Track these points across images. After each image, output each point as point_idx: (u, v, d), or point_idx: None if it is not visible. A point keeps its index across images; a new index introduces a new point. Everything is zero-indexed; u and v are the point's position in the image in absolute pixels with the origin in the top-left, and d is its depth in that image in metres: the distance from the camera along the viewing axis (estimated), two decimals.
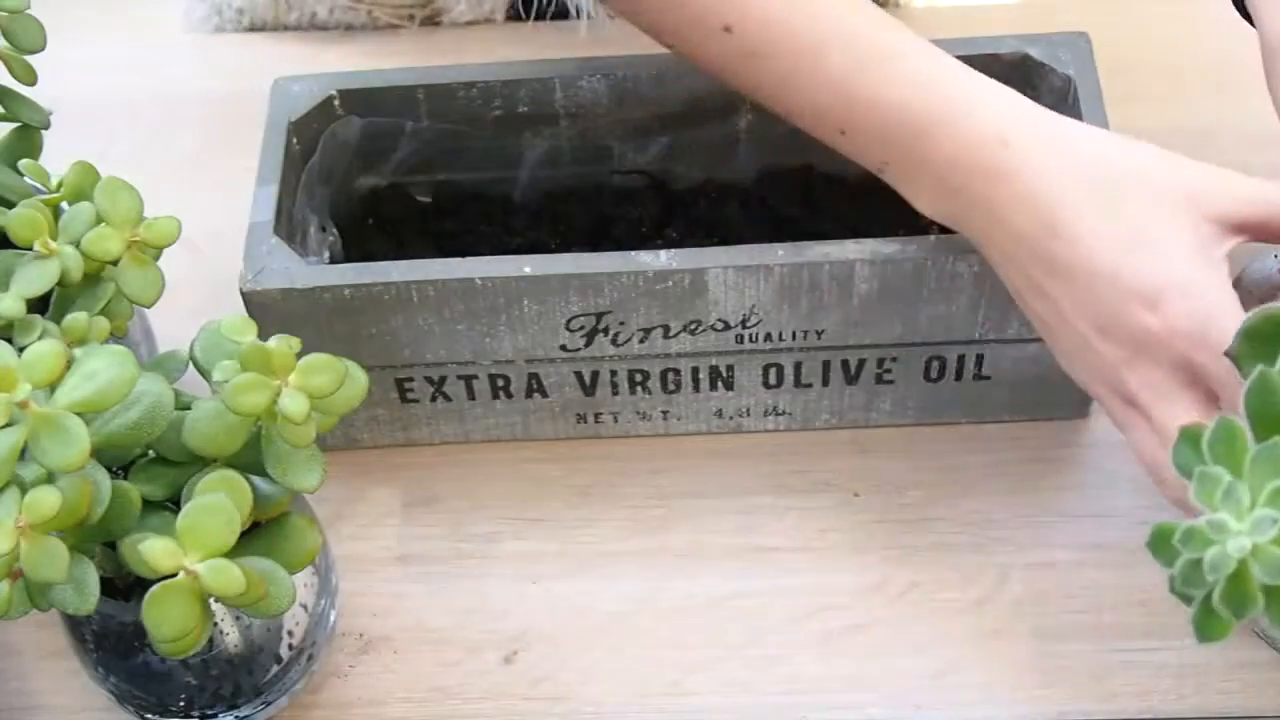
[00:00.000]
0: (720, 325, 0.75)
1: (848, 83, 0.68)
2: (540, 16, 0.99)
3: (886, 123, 0.67)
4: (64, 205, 0.71)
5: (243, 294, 0.74)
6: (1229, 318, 0.58)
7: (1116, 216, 0.62)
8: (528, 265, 0.73)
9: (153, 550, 0.58)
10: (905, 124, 0.67)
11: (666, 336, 0.75)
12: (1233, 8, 0.73)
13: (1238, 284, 0.70)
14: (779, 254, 0.72)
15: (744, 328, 0.75)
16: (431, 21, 1.01)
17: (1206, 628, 0.52)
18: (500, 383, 0.78)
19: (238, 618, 0.69)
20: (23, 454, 0.57)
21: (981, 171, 0.65)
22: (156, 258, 0.70)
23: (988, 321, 0.75)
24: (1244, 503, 0.49)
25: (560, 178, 0.85)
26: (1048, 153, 0.64)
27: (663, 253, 0.73)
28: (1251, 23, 0.68)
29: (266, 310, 0.74)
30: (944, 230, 0.75)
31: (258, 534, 0.64)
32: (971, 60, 0.79)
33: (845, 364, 0.77)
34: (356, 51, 0.84)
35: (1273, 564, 0.48)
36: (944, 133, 0.66)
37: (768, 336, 0.76)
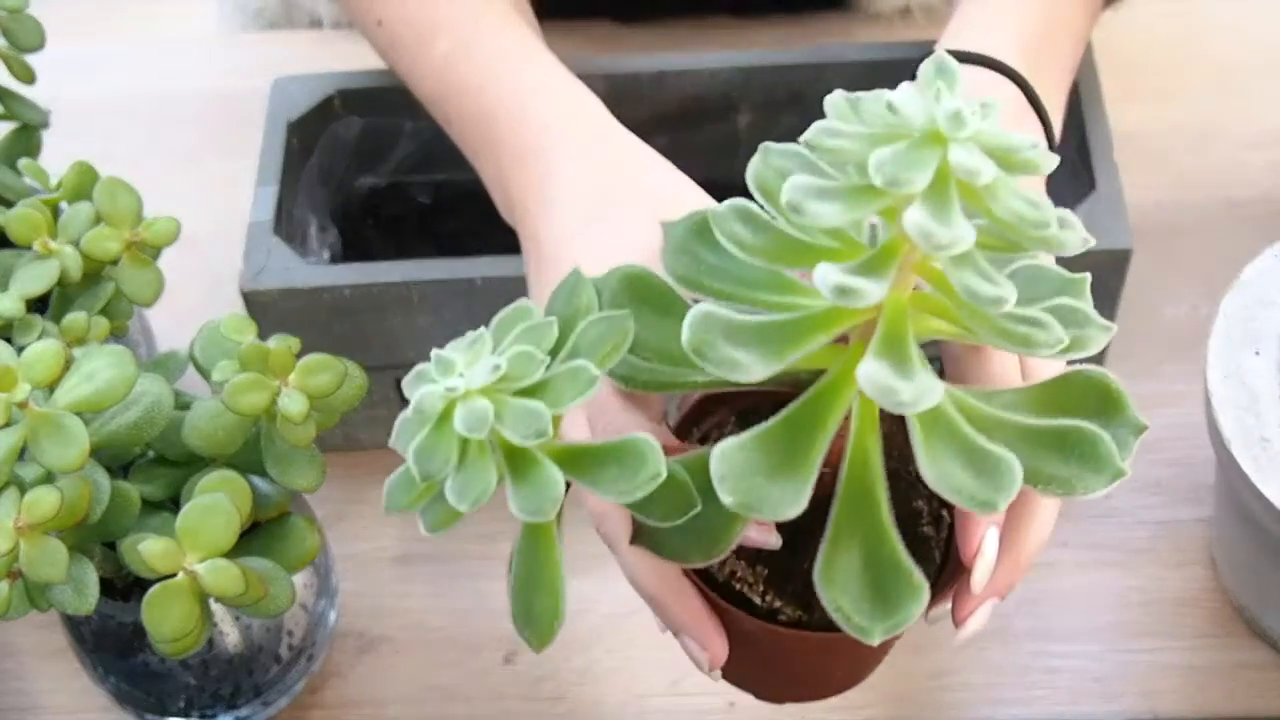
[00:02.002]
0: None
1: (448, 72, 0.69)
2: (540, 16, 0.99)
3: (474, 111, 0.68)
4: (63, 205, 0.71)
5: (243, 294, 0.74)
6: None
7: (592, 221, 0.61)
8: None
9: (152, 550, 0.58)
10: (482, 111, 0.67)
11: None
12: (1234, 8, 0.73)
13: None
14: None
15: None
16: None
17: (396, 493, 0.48)
18: None
19: (237, 618, 0.69)
20: (22, 454, 0.57)
21: (519, 156, 0.65)
22: (156, 257, 0.70)
23: None
24: (484, 347, 0.46)
25: None
26: (578, 150, 0.63)
27: None
28: None
29: (266, 310, 0.74)
30: None
31: (257, 534, 0.64)
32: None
33: None
34: (356, 51, 0.84)
35: (476, 415, 0.43)
36: (504, 120, 0.66)
37: None
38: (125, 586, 0.66)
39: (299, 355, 0.62)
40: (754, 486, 0.44)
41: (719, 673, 0.56)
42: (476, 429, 0.43)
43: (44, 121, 0.76)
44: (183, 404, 0.64)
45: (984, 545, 0.53)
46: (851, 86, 0.83)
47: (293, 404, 0.60)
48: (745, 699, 0.73)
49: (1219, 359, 0.68)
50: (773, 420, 0.45)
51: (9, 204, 0.71)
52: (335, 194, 0.83)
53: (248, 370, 0.61)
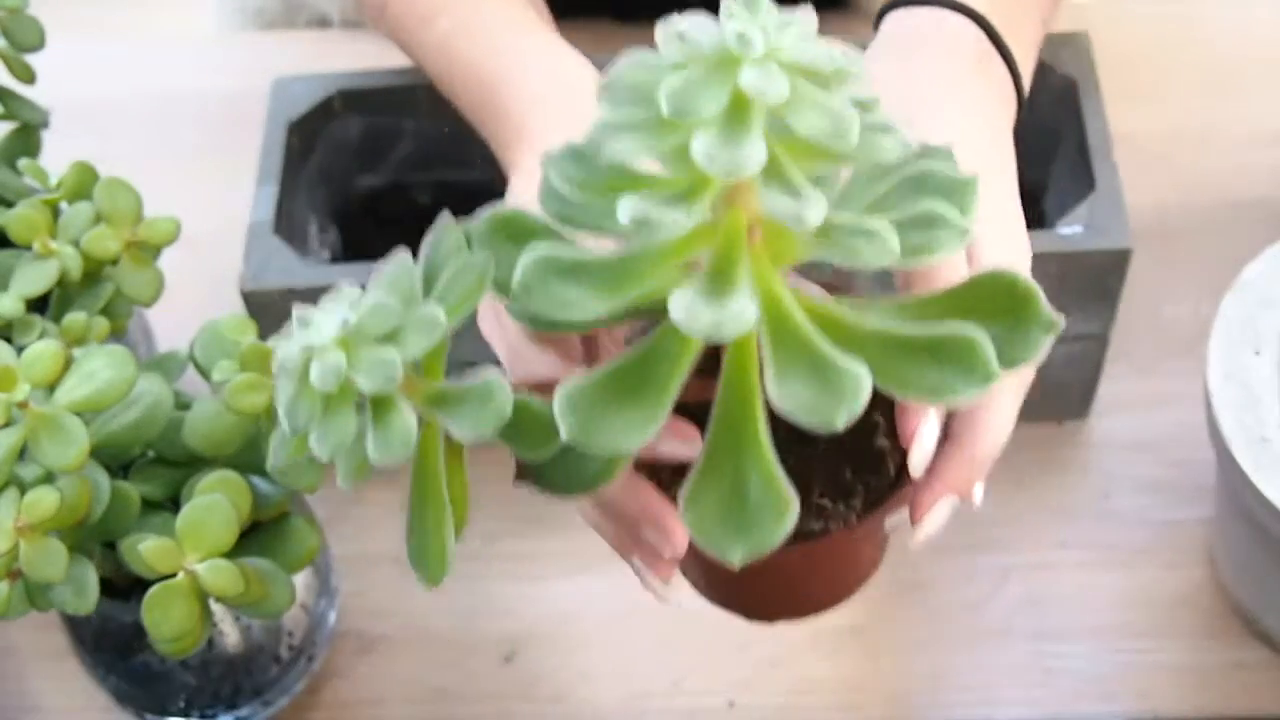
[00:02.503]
0: None
1: (449, 47, 0.70)
2: None
3: (476, 84, 0.68)
4: (63, 205, 0.71)
5: (243, 294, 0.74)
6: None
7: None
8: None
9: (152, 550, 0.58)
10: (483, 83, 0.67)
11: None
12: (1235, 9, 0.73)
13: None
14: None
15: None
16: None
17: (279, 451, 0.48)
18: None
19: (237, 618, 0.69)
20: (22, 454, 0.57)
21: (515, 127, 0.64)
22: (156, 257, 0.70)
23: None
24: (343, 301, 0.46)
25: None
26: (566, 121, 0.62)
27: None
28: None
29: (266, 310, 0.74)
30: None
31: (257, 534, 0.64)
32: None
33: None
34: (356, 51, 0.84)
35: (328, 367, 0.44)
36: (502, 92, 0.66)
37: None
38: (125, 586, 0.66)
39: None
40: (593, 420, 0.44)
41: (678, 592, 0.55)
42: (328, 381, 0.44)
43: (44, 121, 0.76)
44: (183, 404, 0.64)
45: (921, 432, 0.52)
46: None
47: None
48: (745, 699, 0.73)
49: (1219, 359, 0.68)
50: (624, 355, 0.45)
51: (9, 204, 0.71)
52: (335, 194, 0.83)
53: (248, 370, 0.61)
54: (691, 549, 0.53)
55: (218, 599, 0.60)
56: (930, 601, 0.75)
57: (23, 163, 0.72)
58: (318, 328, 0.45)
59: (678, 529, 0.52)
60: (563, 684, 0.75)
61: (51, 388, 0.58)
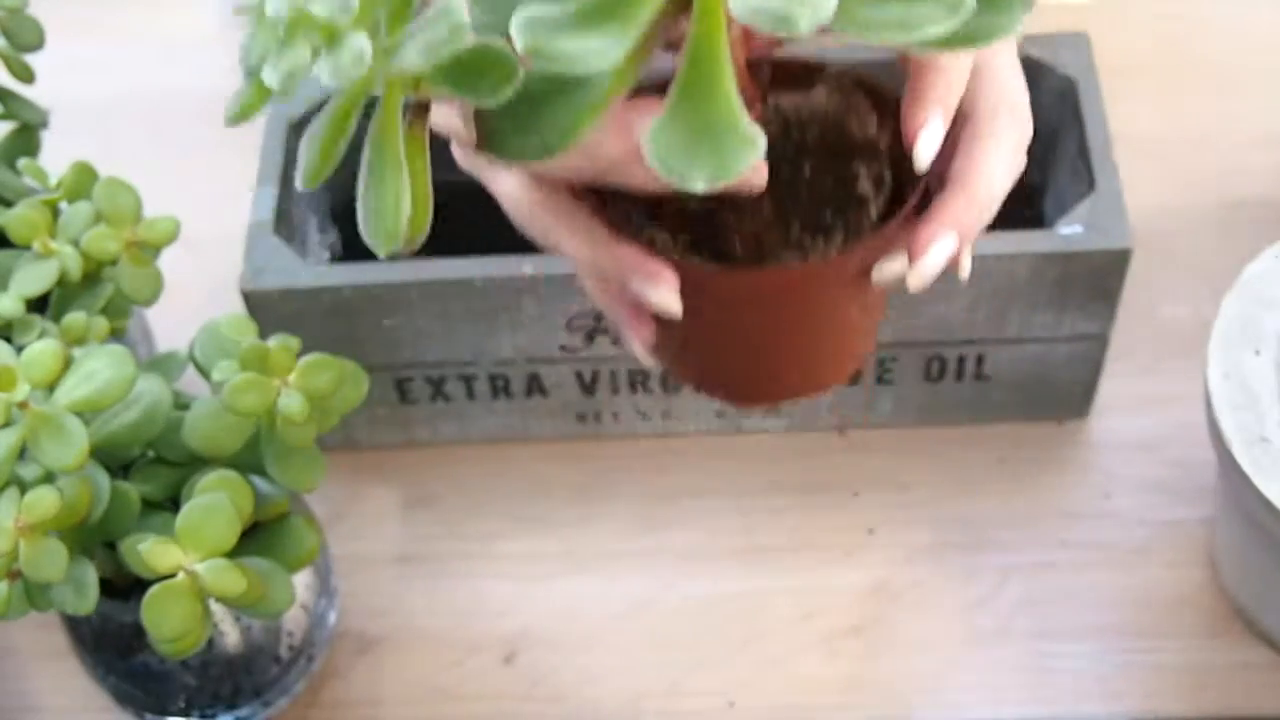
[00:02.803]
0: None
1: None
2: None
3: None
4: (63, 205, 0.71)
5: (243, 294, 0.74)
6: None
7: None
8: (528, 265, 0.73)
9: (152, 550, 0.58)
10: None
11: None
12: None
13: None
14: None
15: None
16: None
17: (239, 105, 0.46)
18: (500, 383, 0.78)
19: (237, 618, 0.69)
20: (22, 454, 0.57)
21: None
22: (155, 257, 0.70)
23: (987, 322, 0.75)
24: None
25: None
26: None
27: None
28: None
29: (266, 310, 0.74)
30: None
31: (257, 534, 0.64)
32: None
33: None
34: None
35: None
36: None
37: None
38: (125, 586, 0.66)
39: (299, 355, 0.62)
40: (555, 36, 0.40)
41: (655, 359, 0.54)
42: (281, 9, 0.43)
43: (43, 121, 0.76)
44: (182, 404, 0.64)
45: (929, 123, 0.51)
46: None
47: (293, 404, 0.60)
48: (745, 699, 0.73)
49: (1219, 359, 0.68)
50: None
51: (9, 204, 0.71)
52: (335, 194, 0.83)
53: (248, 370, 0.61)
54: (666, 329, 0.53)
55: (218, 599, 0.60)
56: (930, 601, 0.75)
57: (22, 163, 0.72)
58: None
59: (661, 266, 0.51)
60: (563, 684, 0.75)
61: (51, 388, 0.58)
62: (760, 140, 0.42)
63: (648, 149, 0.42)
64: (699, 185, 0.41)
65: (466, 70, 0.43)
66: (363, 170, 0.47)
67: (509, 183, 0.54)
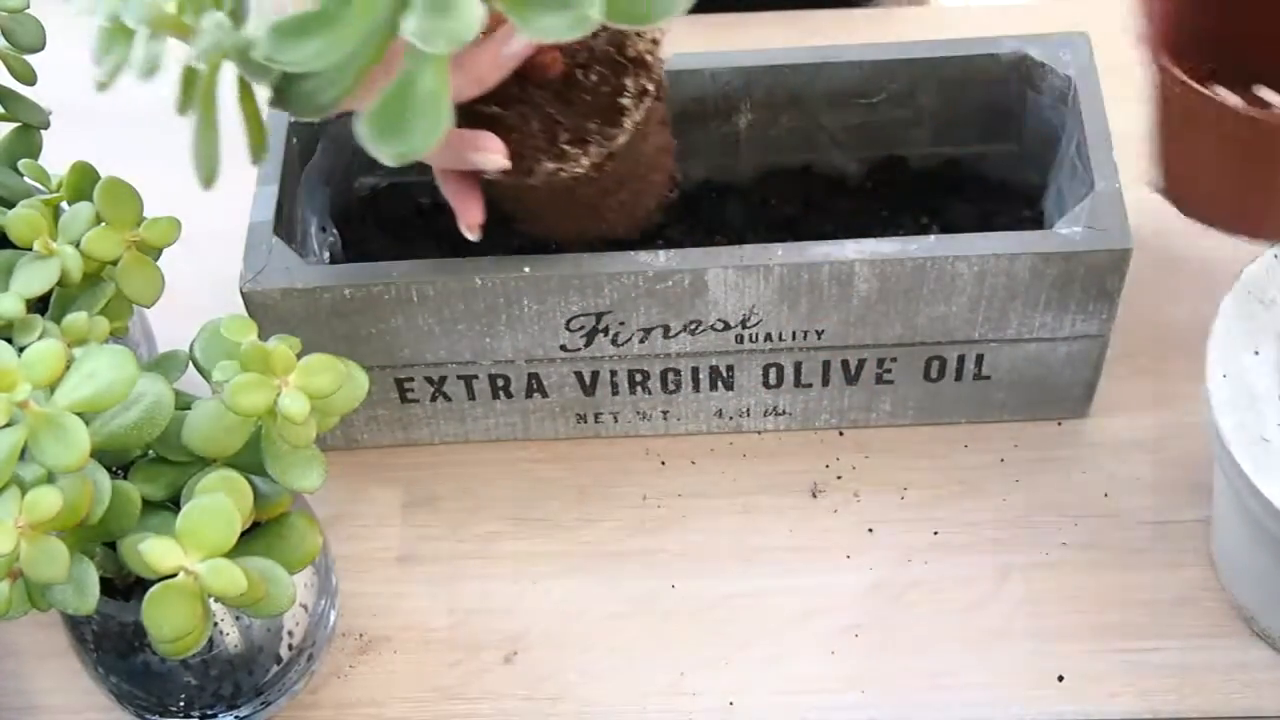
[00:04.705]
0: (720, 325, 0.75)
1: None
2: None
3: None
4: (64, 205, 0.71)
5: (243, 294, 0.74)
6: None
7: None
8: (528, 265, 0.73)
9: (153, 550, 0.58)
10: None
11: (666, 336, 0.75)
12: None
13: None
14: (779, 254, 0.72)
15: (744, 328, 0.75)
16: None
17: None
18: (500, 383, 0.78)
19: (238, 618, 0.69)
20: (23, 454, 0.57)
21: None
22: (156, 258, 0.70)
23: (987, 321, 0.75)
24: None
25: None
26: None
27: (662, 253, 0.73)
28: None
29: (266, 310, 0.74)
30: (944, 230, 0.75)
31: (258, 534, 0.64)
32: (971, 60, 0.79)
33: (845, 364, 0.77)
34: None
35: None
36: None
37: (768, 336, 0.76)
38: (126, 586, 0.67)
39: (299, 355, 0.62)
40: (287, 45, 0.53)
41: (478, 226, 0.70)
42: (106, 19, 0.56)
43: (45, 122, 0.76)
44: (183, 404, 0.64)
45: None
46: (851, 87, 0.83)
47: (293, 404, 0.60)
48: (745, 699, 0.73)
49: (1219, 359, 0.68)
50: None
51: (10, 204, 0.71)
52: (335, 194, 0.83)
53: (248, 370, 0.61)
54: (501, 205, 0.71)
55: (218, 599, 0.60)
56: (930, 601, 0.76)
57: (23, 163, 0.72)
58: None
59: (490, 141, 0.66)
60: (563, 684, 0.75)
61: (52, 388, 0.58)
62: (447, 123, 0.54)
63: (363, 127, 0.54)
64: (391, 160, 0.54)
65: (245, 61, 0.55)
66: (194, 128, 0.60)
67: None
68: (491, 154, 0.66)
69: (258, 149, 0.61)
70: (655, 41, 0.69)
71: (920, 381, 0.78)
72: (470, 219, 0.70)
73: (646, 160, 0.71)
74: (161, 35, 0.56)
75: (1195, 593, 0.75)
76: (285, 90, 0.58)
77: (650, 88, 0.68)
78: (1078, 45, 0.78)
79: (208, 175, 0.60)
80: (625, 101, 0.68)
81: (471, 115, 0.66)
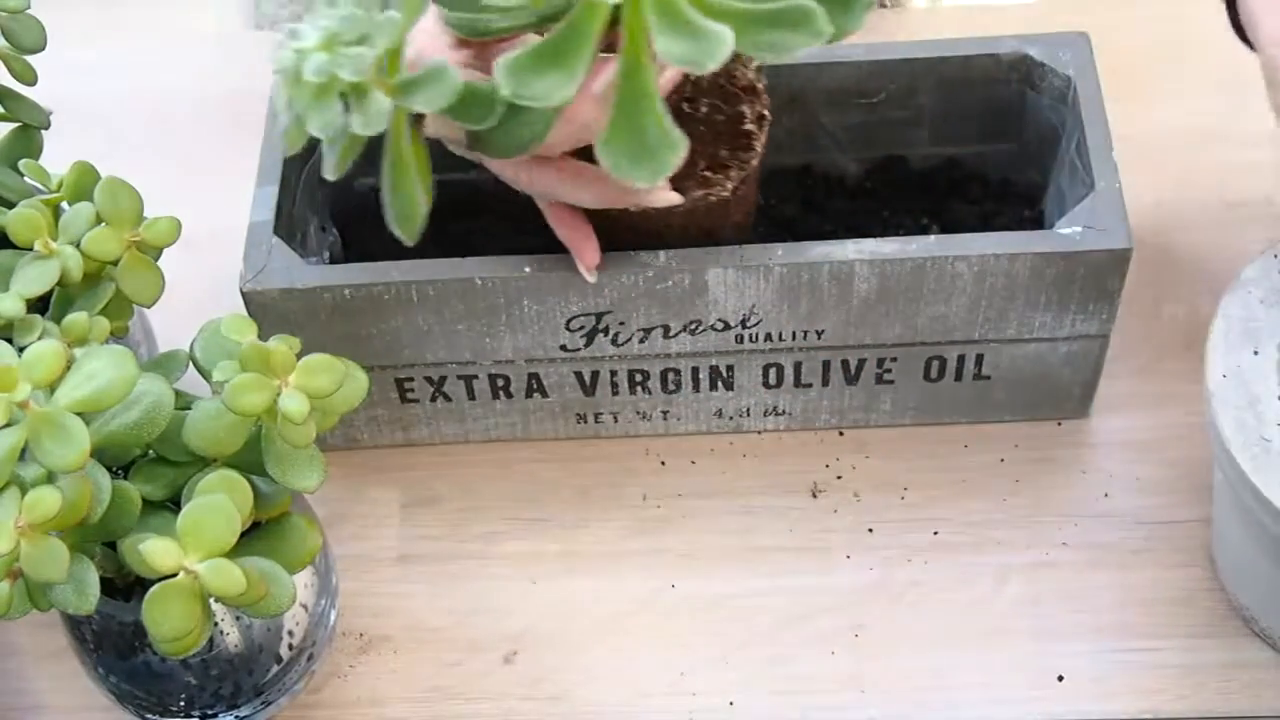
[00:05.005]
0: (720, 325, 0.75)
1: None
2: None
3: None
4: (64, 205, 0.71)
5: (243, 294, 0.74)
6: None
7: None
8: (528, 265, 0.73)
9: (153, 550, 0.58)
10: None
11: (666, 336, 0.75)
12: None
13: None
14: (779, 254, 0.72)
15: (744, 328, 0.75)
16: None
17: (290, 137, 0.59)
18: (500, 383, 0.78)
19: (238, 618, 0.69)
20: (23, 454, 0.57)
21: None
22: (156, 258, 0.70)
23: (987, 321, 0.75)
24: (318, 18, 0.57)
25: None
26: None
27: (662, 253, 0.73)
28: (1249, 45, 0.69)
29: (266, 310, 0.74)
30: (944, 230, 0.75)
31: (258, 534, 0.64)
32: (971, 60, 0.79)
33: (845, 364, 0.77)
34: None
35: (316, 65, 0.56)
36: None
37: (768, 336, 0.76)
38: (126, 586, 0.67)
39: (299, 355, 0.62)
40: (526, 80, 0.56)
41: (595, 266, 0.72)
42: (318, 74, 0.56)
43: (45, 122, 0.76)
44: (183, 404, 0.64)
45: None
46: (851, 87, 0.83)
47: (293, 404, 0.60)
48: (745, 699, 0.73)
49: (1219, 359, 0.68)
50: (547, 35, 0.56)
51: (10, 204, 0.71)
52: (335, 194, 0.83)
53: (248, 370, 0.61)
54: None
55: (218, 599, 0.60)
56: (930, 601, 0.76)
57: (24, 163, 0.72)
58: (305, 36, 0.56)
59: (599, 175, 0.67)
60: (563, 684, 0.75)
61: (52, 388, 0.58)
62: (684, 145, 0.57)
63: (601, 155, 0.57)
64: (643, 182, 0.57)
65: (461, 106, 0.59)
66: (384, 178, 0.61)
67: (504, 165, 0.69)
68: (659, 191, 0.68)
69: (425, 189, 0.63)
70: (759, 70, 0.73)
71: (920, 381, 0.78)
72: (590, 260, 0.71)
73: (754, 181, 0.74)
74: (371, 90, 0.57)
75: (1195, 593, 0.75)
76: (487, 133, 0.62)
77: (766, 114, 0.72)
78: (1078, 45, 0.78)
79: (415, 230, 0.62)
80: (749, 127, 0.72)
81: None
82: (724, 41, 0.54)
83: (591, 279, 0.72)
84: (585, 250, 0.71)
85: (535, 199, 0.71)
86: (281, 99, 0.57)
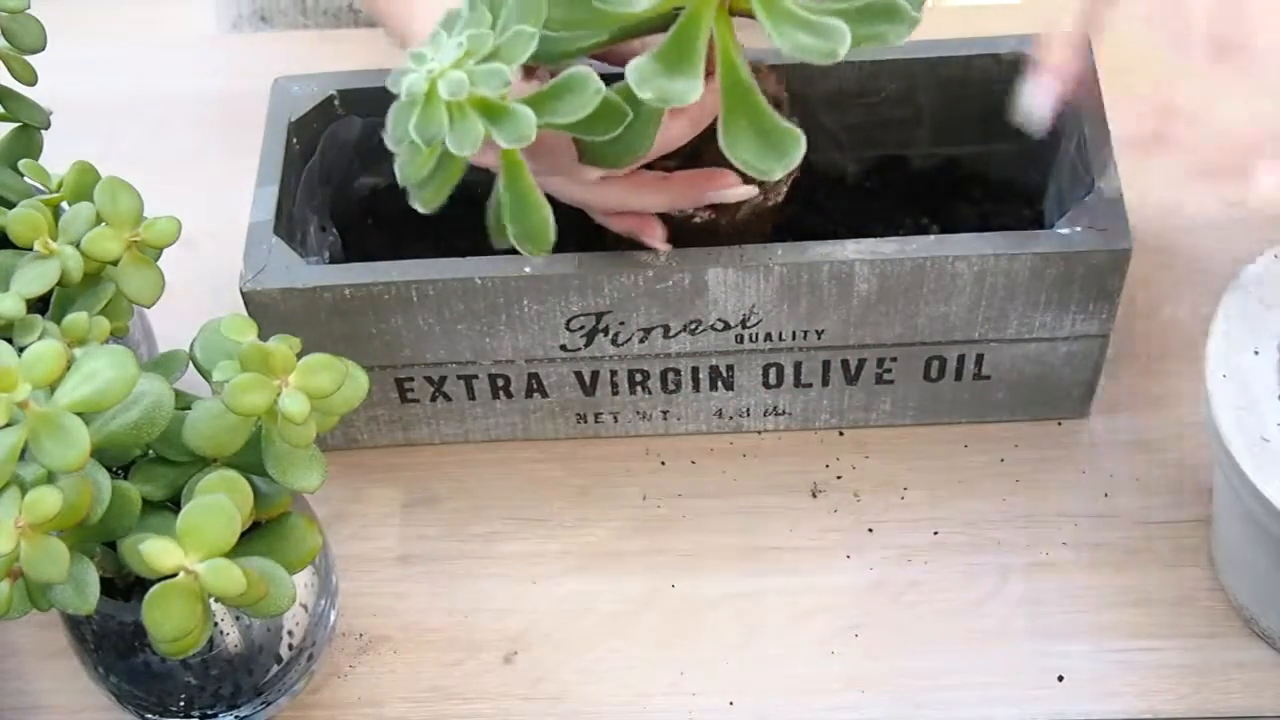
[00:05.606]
0: (720, 325, 0.75)
1: None
2: None
3: None
4: (64, 205, 0.71)
5: (243, 294, 0.74)
6: None
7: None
8: (528, 265, 0.73)
9: (153, 550, 0.58)
10: None
11: (666, 336, 0.75)
12: None
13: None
14: (779, 254, 0.72)
15: (744, 328, 0.75)
16: None
17: (409, 168, 0.61)
18: (500, 383, 0.78)
19: (238, 618, 0.69)
20: (23, 454, 0.57)
21: None
22: (156, 258, 0.70)
23: (987, 321, 0.75)
24: (443, 41, 0.59)
25: None
26: None
27: (663, 253, 0.73)
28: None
29: (266, 310, 0.74)
30: (944, 230, 0.75)
31: (258, 534, 0.64)
32: (971, 60, 0.79)
33: (845, 364, 0.77)
34: (356, 51, 0.84)
35: (454, 83, 0.58)
36: None
37: (767, 336, 0.76)
38: (126, 586, 0.67)
39: (299, 355, 0.62)
40: (661, 84, 0.59)
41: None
42: (457, 93, 0.58)
43: (45, 122, 0.76)
44: (183, 404, 0.64)
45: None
46: (851, 87, 0.83)
47: (293, 404, 0.60)
48: (745, 698, 0.73)
49: (1219, 359, 0.68)
50: (662, 41, 0.60)
51: (10, 204, 0.71)
52: (335, 194, 0.83)
53: (248, 370, 0.61)
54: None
55: (218, 599, 0.60)
56: (930, 601, 0.76)
57: (24, 163, 0.72)
58: (435, 58, 0.59)
59: (727, 176, 0.70)
60: (563, 684, 0.75)
61: (52, 388, 0.58)
62: (803, 137, 0.61)
63: (731, 153, 0.61)
64: (778, 175, 0.62)
65: (593, 120, 0.60)
66: (504, 199, 0.64)
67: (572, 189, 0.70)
68: (735, 186, 0.70)
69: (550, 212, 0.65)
70: (780, 82, 0.74)
71: (920, 381, 0.78)
72: (660, 234, 0.72)
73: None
74: (511, 105, 0.60)
75: (1195, 593, 0.75)
76: (604, 145, 0.64)
77: (797, 121, 0.71)
78: (1078, 45, 0.78)
79: (543, 244, 0.65)
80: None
81: (680, 155, 0.69)
82: (843, 32, 0.57)
83: (667, 248, 0.72)
84: (653, 229, 0.71)
85: (589, 210, 0.72)
86: (409, 122, 0.59)
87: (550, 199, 0.66)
